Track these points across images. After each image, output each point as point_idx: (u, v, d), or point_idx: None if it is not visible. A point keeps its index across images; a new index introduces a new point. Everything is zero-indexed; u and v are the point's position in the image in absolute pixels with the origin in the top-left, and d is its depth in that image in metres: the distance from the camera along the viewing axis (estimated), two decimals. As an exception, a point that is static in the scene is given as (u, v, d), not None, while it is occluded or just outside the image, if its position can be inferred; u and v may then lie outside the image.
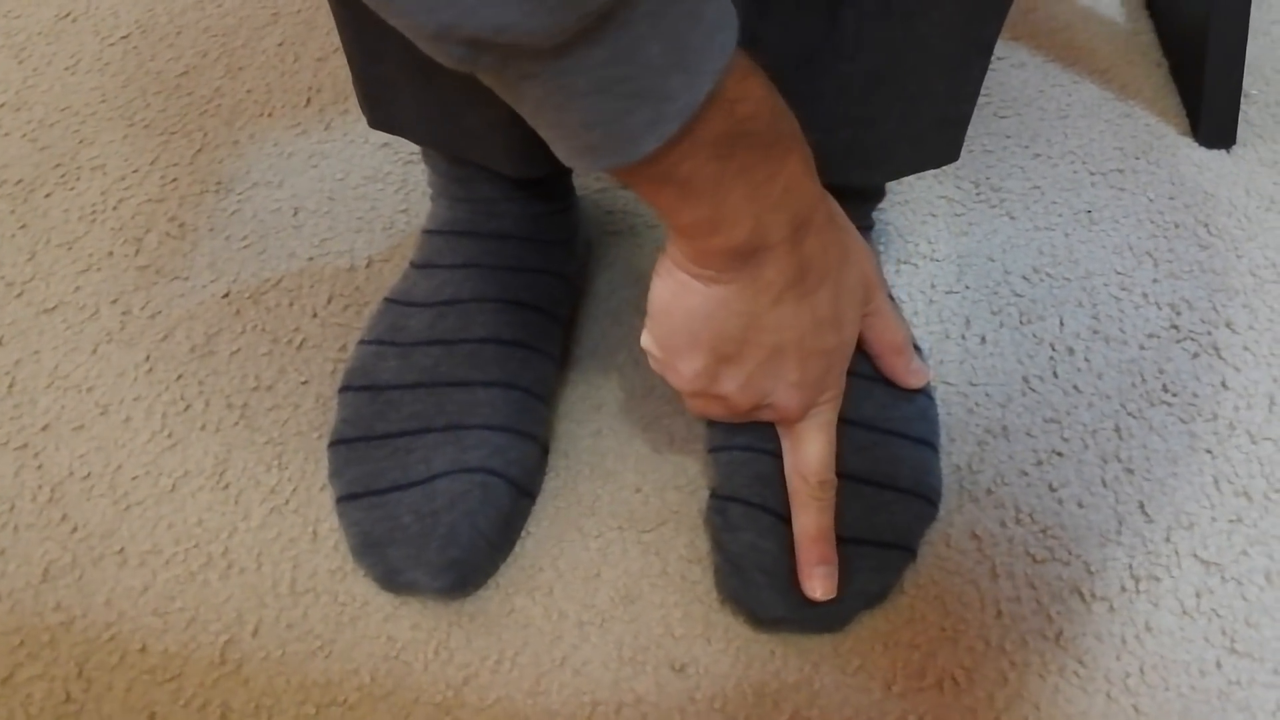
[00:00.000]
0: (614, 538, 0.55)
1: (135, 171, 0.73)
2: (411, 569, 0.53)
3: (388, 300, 0.61)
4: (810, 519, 0.51)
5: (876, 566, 0.52)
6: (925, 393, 0.56)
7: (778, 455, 0.53)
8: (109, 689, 0.52)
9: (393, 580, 0.54)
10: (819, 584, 0.50)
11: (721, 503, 0.54)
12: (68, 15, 0.84)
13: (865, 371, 0.55)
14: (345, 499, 0.56)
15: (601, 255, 0.67)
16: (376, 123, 0.58)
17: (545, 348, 0.59)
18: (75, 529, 0.58)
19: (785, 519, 0.52)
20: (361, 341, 0.60)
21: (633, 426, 0.59)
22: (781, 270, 0.43)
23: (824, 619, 0.52)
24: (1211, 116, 0.69)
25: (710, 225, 0.41)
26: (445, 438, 0.55)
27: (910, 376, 0.55)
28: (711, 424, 0.57)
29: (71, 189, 0.72)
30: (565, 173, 0.61)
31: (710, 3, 0.35)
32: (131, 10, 0.83)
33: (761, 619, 0.52)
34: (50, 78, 0.79)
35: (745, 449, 0.54)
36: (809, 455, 0.51)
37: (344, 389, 0.59)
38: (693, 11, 0.34)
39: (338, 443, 0.57)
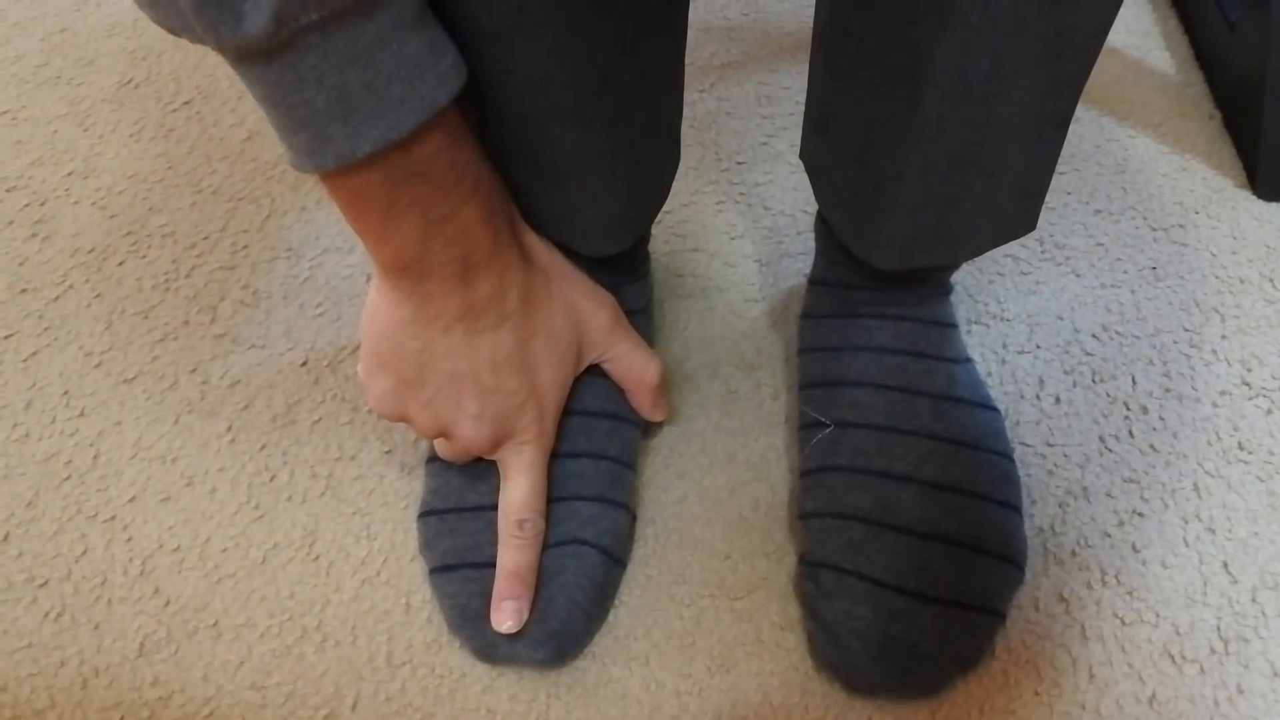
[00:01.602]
0: (706, 605, 0.56)
1: (205, 239, 0.74)
2: (510, 641, 0.53)
3: (471, 370, 0.61)
4: (509, 555, 0.54)
5: (968, 630, 0.53)
6: (1007, 456, 0.57)
7: (869, 522, 0.54)
8: (213, 766, 0.53)
9: (491, 652, 0.54)
10: (506, 618, 0.52)
11: (814, 569, 0.55)
12: (130, 82, 0.85)
13: (950, 436, 0.56)
14: (439, 570, 0.56)
15: (674, 319, 0.68)
16: None
17: (629, 416, 0.60)
18: (168, 602, 0.58)
19: (879, 584, 0.53)
20: None
21: (717, 493, 0.60)
22: (449, 302, 0.48)
23: (919, 686, 0.53)
24: (1269, 170, 0.70)
25: (379, 239, 0.45)
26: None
27: (654, 412, 0.60)
28: (804, 489, 0.58)
29: (144, 257, 0.73)
30: (642, 242, 0.62)
31: (396, 79, 0.39)
32: (192, 76, 0.85)
33: (858, 686, 0.53)
34: (116, 144, 0.80)
35: (837, 516, 0.55)
36: (510, 493, 0.54)
37: (431, 460, 0.59)
38: (369, 82, 0.38)
39: (428, 514, 0.58)
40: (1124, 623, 0.54)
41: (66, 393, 0.67)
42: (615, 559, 0.57)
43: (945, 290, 0.60)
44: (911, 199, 0.51)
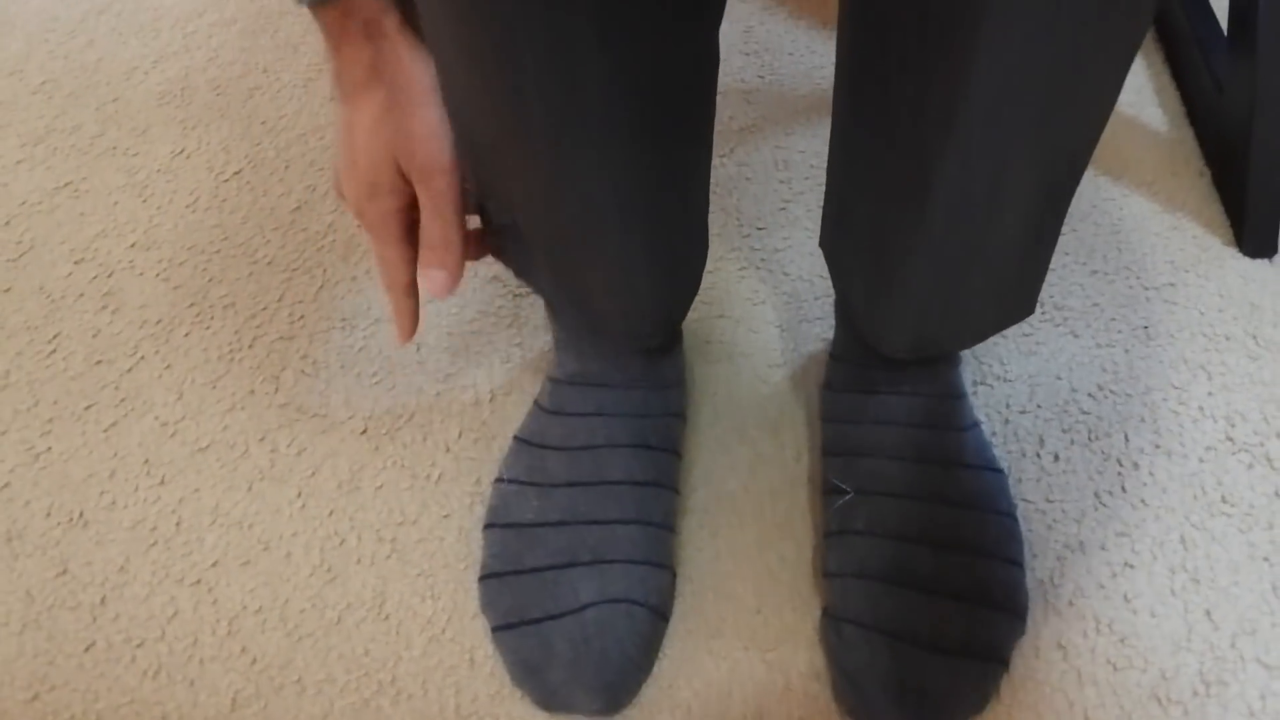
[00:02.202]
0: (740, 658, 0.63)
1: (264, 309, 0.80)
2: (569, 691, 0.60)
3: (521, 440, 0.68)
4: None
5: (976, 678, 0.59)
6: (1010, 515, 0.63)
7: (887, 581, 0.60)
8: (306, 812, 0.60)
9: (552, 702, 0.61)
10: (432, 283, 0.57)
11: (837, 624, 0.61)
12: (182, 152, 0.90)
13: (959, 500, 0.62)
14: (501, 629, 0.63)
15: (704, 385, 0.73)
16: (522, 276, 0.64)
17: (669, 483, 0.66)
18: (255, 660, 0.65)
19: (896, 638, 0.59)
20: (500, 480, 0.67)
21: (747, 550, 0.66)
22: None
23: None
24: (1254, 227, 0.75)
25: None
26: (590, 571, 0.62)
27: (428, 280, 0.58)
28: (827, 550, 0.64)
29: (208, 328, 0.79)
30: (679, 322, 0.68)
31: None
32: (240, 145, 0.90)
33: None
34: (174, 215, 0.86)
35: (857, 575, 0.61)
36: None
37: (490, 526, 0.66)
38: None
39: (489, 577, 0.64)
40: (1116, 668, 0.61)
41: (147, 461, 0.73)
42: (661, 615, 0.63)
43: (955, 361, 0.66)
44: (919, 297, 0.56)
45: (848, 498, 0.64)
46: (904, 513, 0.62)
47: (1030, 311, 0.61)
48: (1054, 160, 0.50)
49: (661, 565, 0.64)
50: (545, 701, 0.61)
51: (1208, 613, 0.62)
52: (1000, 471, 0.65)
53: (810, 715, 0.60)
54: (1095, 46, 0.44)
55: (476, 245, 0.61)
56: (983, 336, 0.61)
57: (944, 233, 0.53)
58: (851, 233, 0.59)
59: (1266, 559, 0.63)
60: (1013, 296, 0.59)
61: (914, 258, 0.55)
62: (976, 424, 0.66)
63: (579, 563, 0.63)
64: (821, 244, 0.64)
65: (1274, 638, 0.61)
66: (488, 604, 0.64)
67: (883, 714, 0.58)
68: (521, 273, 0.65)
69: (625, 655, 0.60)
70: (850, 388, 0.67)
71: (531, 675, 0.61)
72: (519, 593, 0.63)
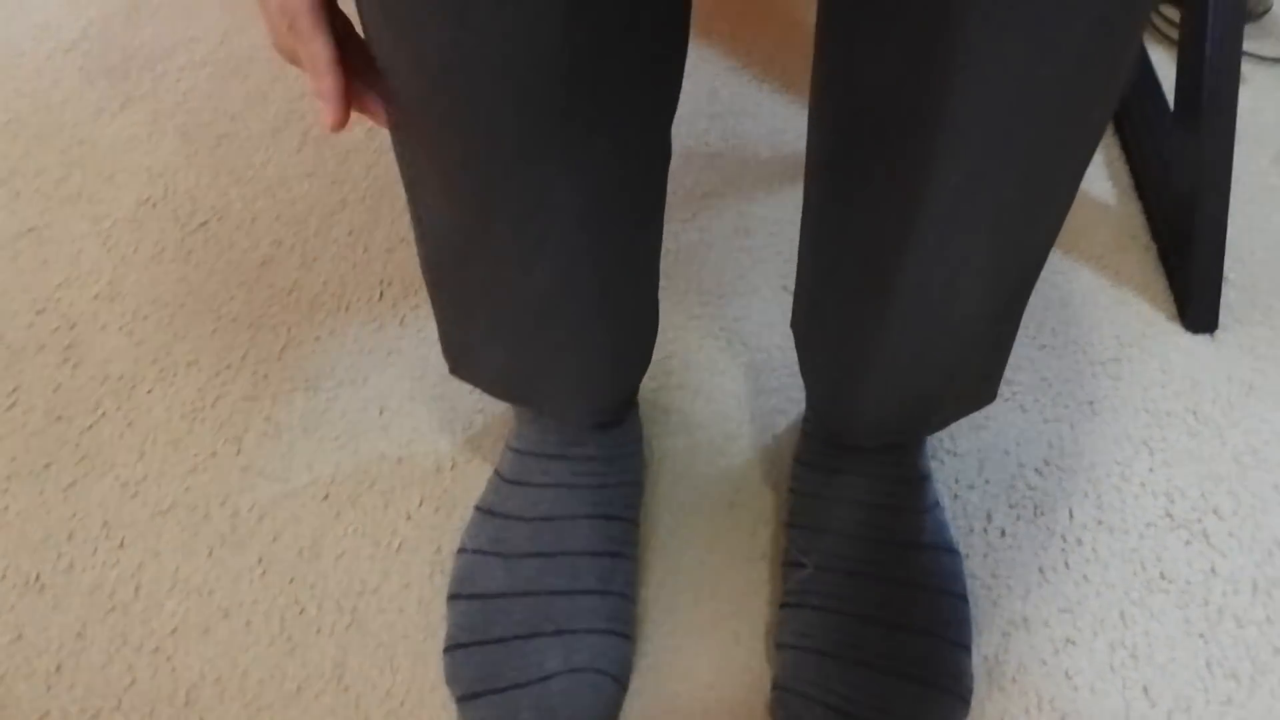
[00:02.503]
0: (685, 735, 0.64)
1: (228, 367, 0.80)
2: None
3: (482, 511, 0.69)
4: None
5: (934, 703, 0.61)
6: (962, 597, 0.65)
7: (837, 658, 0.62)
8: None
9: None
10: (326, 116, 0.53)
11: (784, 695, 0.63)
12: (148, 200, 0.90)
13: (914, 581, 0.64)
14: (466, 699, 0.63)
15: (663, 456, 0.75)
16: (457, 373, 0.67)
17: (629, 552, 0.68)
18: (214, 731, 0.65)
19: (842, 713, 0.61)
20: (464, 550, 0.68)
21: (703, 625, 0.68)
22: None
23: None
24: (1196, 303, 0.77)
25: None
26: (554, 641, 0.63)
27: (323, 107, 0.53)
28: (782, 620, 0.65)
29: (171, 385, 0.80)
30: (633, 395, 0.70)
31: None
32: (207, 195, 0.90)
33: None
34: (138, 267, 0.86)
35: (810, 650, 0.63)
36: None
37: (455, 596, 0.67)
38: None
39: (454, 648, 0.65)
40: (1056, 746, 0.63)
41: (106, 523, 0.73)
42: (622, 685, 0.65)
43: (920, 444, 0.68)
44: (879, 390, 0.58)
45: (806, 571, 0.65)
46: (859, 591, 0.64)
47: (991, 399, 0.63)
48: (1010, 265, 0.52)
49: (623, 635, 0.65)
50: None
51: (1145, 689, 0.64)
52: (956, 553, 0.66)
53: (760, 791, 0.62)
54: (1048, 160, 0.45)
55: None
56: (944, 424, 0.63)
57: (903, 331, 0.54)
58: (817, 324, 0.61)
59: (1201, 635, 0.66)
60: (973, 387, 0.61)
61: (874, 354, 0.57)
62: (938, 504, 0.68)
63: (543, 633, 0.64)
64: (792, 325, 0.66)
65: (1207, 714, 0.63)
66: (453, 675, 0.65)
67: None
68: (464, 376, 0.67)
69: None
70: (817, 464, 0.69)
71: None
72: (485, 662, 0.64)
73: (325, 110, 0.51)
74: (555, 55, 0.43)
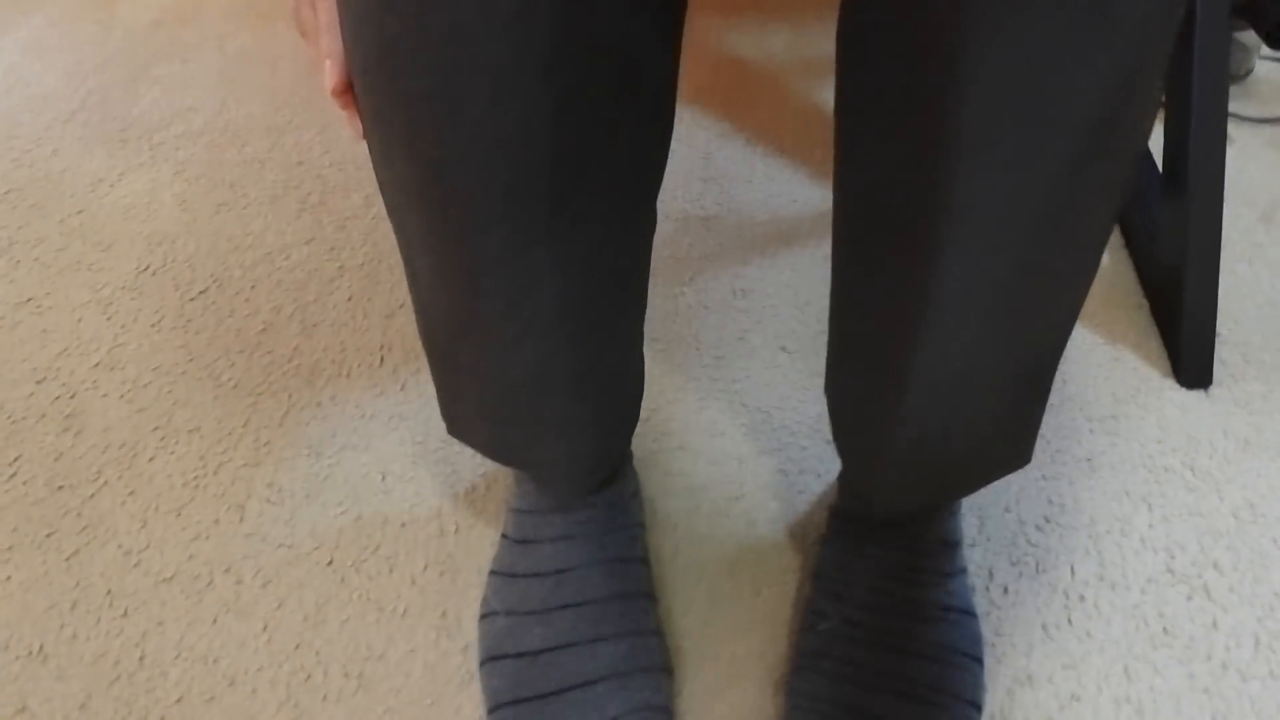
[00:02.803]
0: (702, 797, 0.64)
1: (229, 434, 0.80)
2: None
3: (499, 574, 0.69)
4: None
5: None
6: (979, 660, 0.65)
7: (852, 712, 0.62)
8: None
9: None
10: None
11: None
12: (147, 269, 0.91)
13: (934, 643, 0.64)
14: None
15: (665, 519, 0.75)
16: (455, 435, 0.67)
17: (649, 591, 0.69)
18: (219, 804, 0.65)
19: None
20: (492, 614, 0.68)
21: (704, 694, 0.68)
22: None
23: None
24: (1190, 361, 0.79)
25: None
26: (612, 685, 0.64)
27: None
28: (794, 672, 0.66)
29: (172, 453, 0.80)
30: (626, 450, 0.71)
31: None
32: (206, 263, 0.91)
33: None
34: (138, 335, 0.87)
35: (815, 698, 0.63)
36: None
37: (496, 659, 0.66)
38: None
39: (503, 706, 0.65)
40: (1067, 805, 0.63)
41: (109, 592, 0.73)
42: (673, 716, 0.66)
43: (954, 510, 0.69)
44: (901, 462, 0.60)
45: (828, 626, 0.66)
46: (881, 650, 0.64)
47: (1025, 463, 0.63)
48: (1026, 346, 0.53)
49: (667, 670, 0.66)
50: None
51: (1152, 748, 0.64)
52: (975, 616, 0.67)
53: None
54: (1053, 251, 0.47)
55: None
56: (972, 491, 0.64)
57: (925, 408, 0.56)
58: (841, 393, 0.62)
59: (1206, 690, 0.66)
60: (1001, 455, 0.62)
61: (890, 436, 0.58)
62: (965, 570, 0.68)
63: (599, 679, 0.64)
64: (825, 392, 0.67)
65: (1215, 773, 0.63)
66: None
67: None
68: (461, 437, 0.68)
69: None
70: (852, 518, 0.69)
71: None
72: (547, 714, 0.64)
73: (330, 72, 0.51)
74: (544, 151, 0.45)
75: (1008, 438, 0.60)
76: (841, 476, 0.71)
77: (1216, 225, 0.75)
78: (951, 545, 0.67)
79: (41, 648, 0.71)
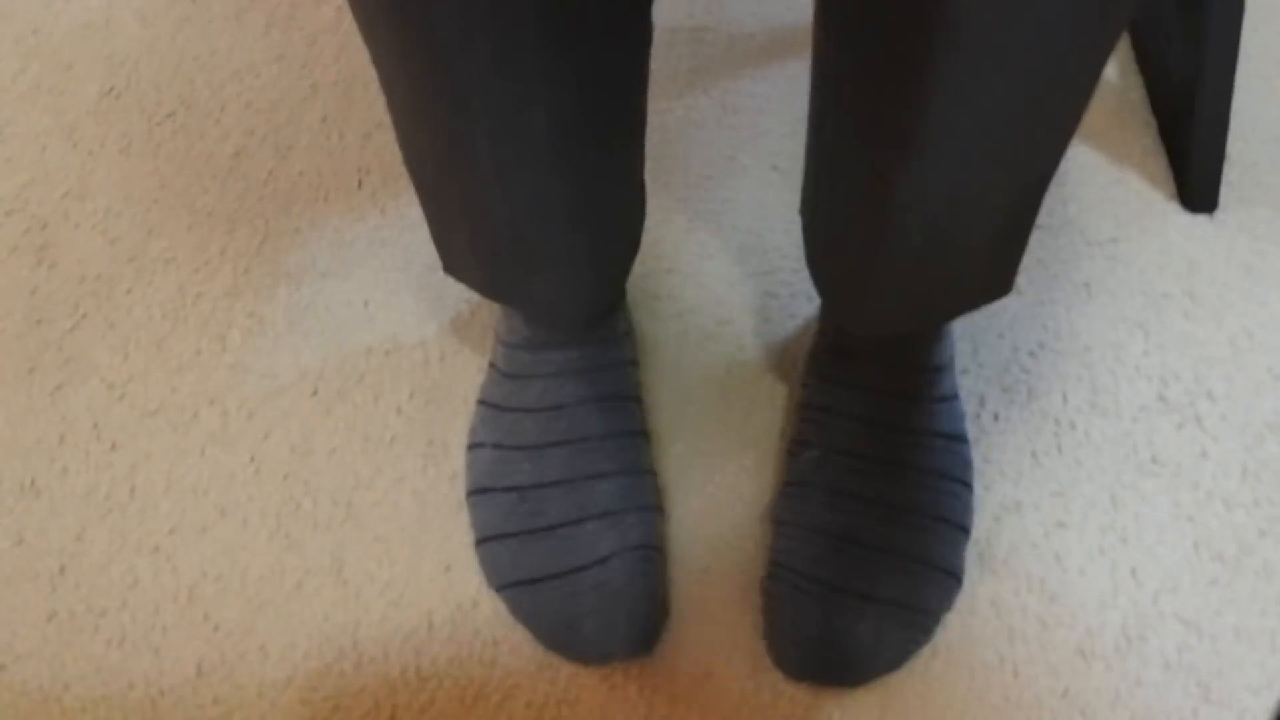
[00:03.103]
0: (690, 619, 0.65)
1: (207, 264, 0.78)
2: (606, 640, 0.62)
3: (488, 405, 0.68)
4: None
5: (904, 625, 0.62)
6: (968, 485, 0.65)
7: (836, 538, 0.63)
8: (275, 776, 0.62)
9: (587, 651, 0.63)
10: None
11: (778, 571, 0.64)
12: (111, 91, 0.87)
13: (923, 467, 0.64)
14: (519, 585, 0.64)
15: (653, 343, 0.74)
16: (450, 272, 0.65)
17: (642, 429, 0.69)
18: (217, 628, 0.66)
19: (833, 589, 0.62)
20: (480, 445, 0.68)
21: (696, 517, 0.68)
22: None
23: (857, 670, 0.62)
24: (1196, 182, 0.76)
25: None
26: (604, 524, 0.64)
27: None
28: (783, 499, 0.66)
29: (150, 283, 0.78)
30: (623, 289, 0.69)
31: None
32: (171, 84, 0.87)
33: (802, 672, 0.62)
34: (106, 162, 0.83)
35: (808, 528, 0.64)
36: None
37: (484, 490, 0.67)
38: None
39: (492, 539, 0.65)
40: (1045, 625, 0.64)
41: (96, 425, 0.73)
42: (664, 555, 0.67)
43: (940, 335, 0.67)
44: (881, 285, 0.58)
45: (814, 454, 0.66)
46: (866, 475, 0.64)
47: (1005, 292, 0.61)
48: (1017, 170, 0.50)
49: (658, 509, 0.67)
50: (579, 652, 0.63)
51: (1133, 571, 0.65)
52: (966, 442, 0.67)
53: (757, 673, 0.63)
54: (1052, 67, 0.43)
55: None
56: (951, 317, 0.62)
57: (905, 232, 0.53)
58: (821, 216, 0.60)
59: (1190, 518, 0.67)
60: (983, 282, 0.60)
61: (874, 252, 0.55)
62: (955, 396, 0.67)
63: (591, 516, 0.64)
64: (800, 211, 0.64)
65: (1193, 594, 0.64)
66: (497, 565, 0.65)
67: (808, 656, 0.62)
68: (457, 275, 0.66)
69: (654, 599, 0.63)
70: (835, 347, 0.68)
71: (565, 628, 0.63)
72: (536, 550, 0.64)
73: None
74: None
75: (991, 264, 0.58)
76: (821, 307, 0.69)
77: (1235, 35, 0.71)
78: (938, 370, 0.66)
79: (33, 482, 0.71)
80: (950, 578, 0.63)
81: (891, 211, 0.51)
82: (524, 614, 0.64)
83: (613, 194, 0.57)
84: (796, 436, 0.68)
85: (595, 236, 0.58)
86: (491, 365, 0.70)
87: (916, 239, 0.53)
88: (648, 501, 0.66)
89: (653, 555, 0.64)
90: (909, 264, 0.55)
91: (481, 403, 0.69)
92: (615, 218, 0.59)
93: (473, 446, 0.68)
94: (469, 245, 0.58)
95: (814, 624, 0.61)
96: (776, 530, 0.66)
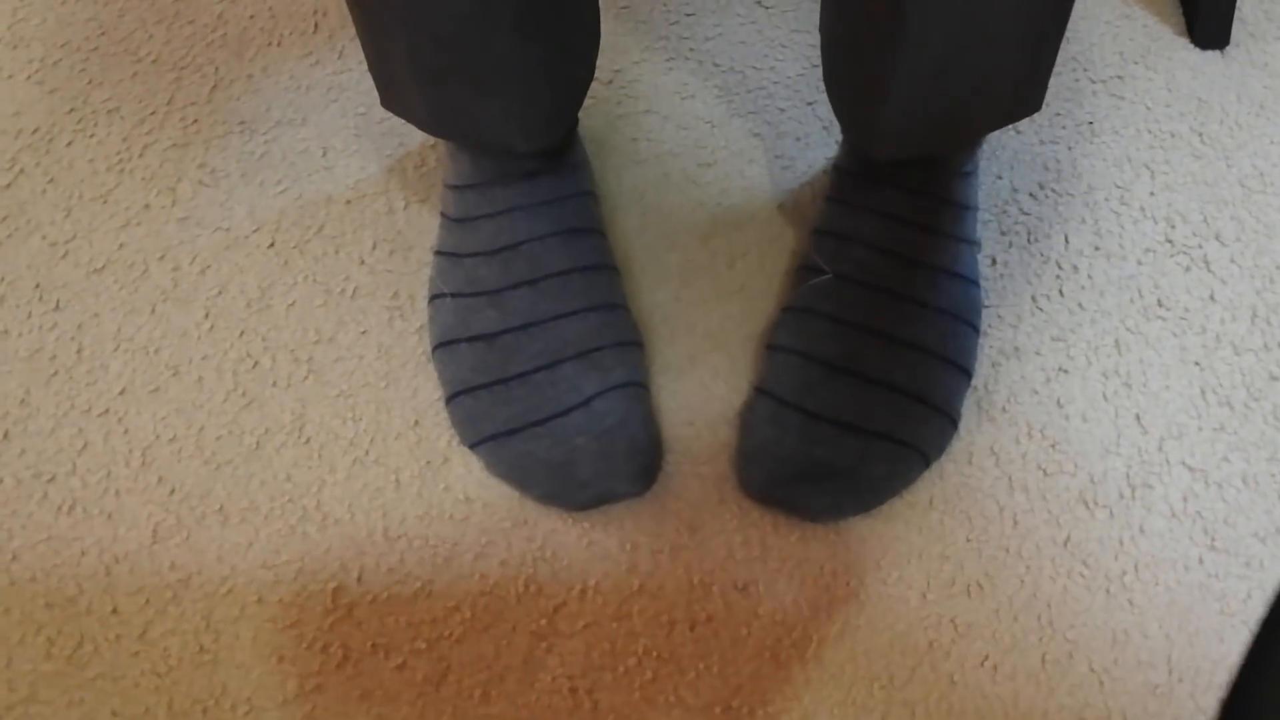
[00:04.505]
0: (674, 471, 0.62)
1: (153, 113, 0.73)
2: (603, 482, 0.59)
3: (443, 254, 0.64)
4: None
5: (888, 458, 0.59)
6: (976, 328, 0.62)
7: (830, 366, 0.59)
8: (237, 639, 0.59)
9: (583, 495, 0.59)
10: None
11: (759, 396, 0.61)
12: (43, -69, 0.80)
13: (937, 305, 0.61)
14: (496, 438, 0.60)
15: (631, 187, 0.69)
16: (389, 106, 0.60)
17: (610, 262, 0.64)
18: (173, 491, 0.62)
19: (815, 418, 0.58)
20: (440, 295, 0.63)
21: (679, 363, 0.64)
22: None
23: (831, 499, 0.58)
24: (1207, 16, 0.71)
25: None
26: (581, 363, 0.60)
27: None
28: (780, 324, 0.62)
29: (91, 135, 0.72)
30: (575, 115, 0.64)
31: None
32: (110, -78, 0.80)
33: (768, 498, 0.59)
34: (41, 8, 0.77)
35: (803, 355, 0.60)
36: None
37: (450, 343, 0.62)
38: None
39: (464, 393, 0.61)
40: (1046, 473, 0.61)
41: (38, 285, 0.68)
42: (650, 391, 0.63)
43: (967, 170, 0.63)
44: (901, 97, 0.53)
45: (825, 278, 0.62)
46: (874, 305, 0.60)
47: (1036, 108, 0.57)
48: None
49: (638, 343, 0.63)
50: (576, 497, 0.59)
51: (1138, 417, 0.62)
52: (979, 287, 0.63)
53: (744, 528, 0.60)
54: None
55: None
56: (977, 136, 0.58)
57: (920, 34, 0.49)
58: (835, 30, 0.55)
59: (1197, 363, 0.64)
60: (1007, 99, 0.56)
61: (891, 59, 0.51)
62: (976, 241, 0.63)
63: (565, 358, 0.60)
64: (819, 29, 0.60)
65: (1199, 441, 0.62)
66: (471, 419, 0.61)
67: (774, 482, 0.59)
68: (395, 109, 0.60)
69: (650, 434, 0.60)
70: (858, 172, 0.64)
71: (555, 475, 0.59)
72: (511, 399, 0.60)
73: None
74: None
75: (1017, 77, 0.53)
76: (842, 129, 0.65)
77: None
78: (961, 207, 0.62)
79: (-29, 342, 0.67)
80: (946, 419, 0.60)
81: (909, 11, 0.47)
82: (505, 467, 0.60)
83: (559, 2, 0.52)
84: (805, 262, 0.63)
85: (548, 43, 0.53)
86: (442, 215, 0.65)
87: (937, 39, 0.49)
88: (625, 337, 0.62)
89: (639, 391, 0.61)
90: (931, 69, 0.51)
91: (437, 253, 0.65)
92: (569, 21, 0.54)
93: (433, 299, 0.64)
94: (408, 62, 0.53)
95: (789, 449, 0.58)
96: (768, 356, 0.62)
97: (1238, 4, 0.71)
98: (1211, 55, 0.72)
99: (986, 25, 0.48)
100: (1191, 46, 0.72)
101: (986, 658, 0.58)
